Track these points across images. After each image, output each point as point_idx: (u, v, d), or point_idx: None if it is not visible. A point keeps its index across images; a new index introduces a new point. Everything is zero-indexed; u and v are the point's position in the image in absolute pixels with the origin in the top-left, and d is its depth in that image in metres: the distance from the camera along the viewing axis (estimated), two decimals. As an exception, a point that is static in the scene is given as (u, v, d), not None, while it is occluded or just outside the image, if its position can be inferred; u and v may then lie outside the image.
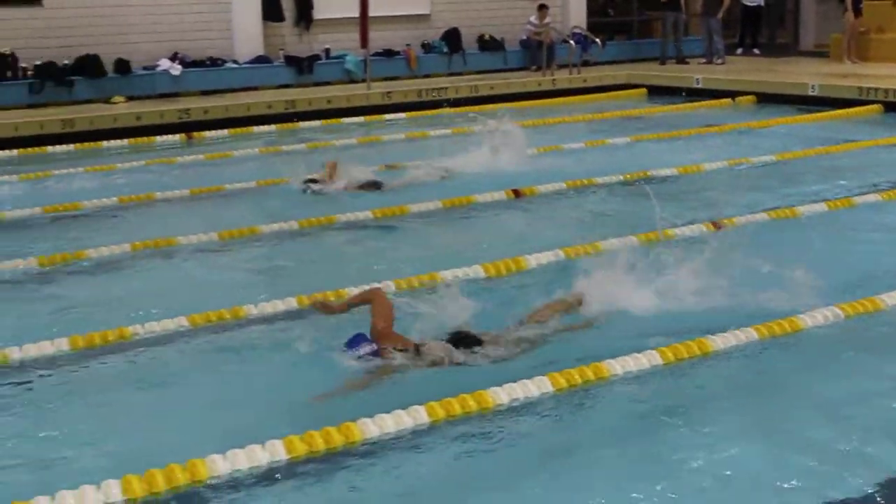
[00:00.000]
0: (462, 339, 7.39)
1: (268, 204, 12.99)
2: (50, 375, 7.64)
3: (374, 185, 13.42)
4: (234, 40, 23.24)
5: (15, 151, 17.37)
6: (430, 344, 7.32)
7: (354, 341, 7.26)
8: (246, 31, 23.31)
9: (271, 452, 6.00)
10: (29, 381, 7.54)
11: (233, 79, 22.67)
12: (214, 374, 7.72)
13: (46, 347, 8.01)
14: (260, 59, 23.29)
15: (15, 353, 7.90)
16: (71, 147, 17.67)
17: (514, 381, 6.83)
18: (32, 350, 7.95)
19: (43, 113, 19.79)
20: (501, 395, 6.72)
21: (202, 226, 11.69)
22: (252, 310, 8.70)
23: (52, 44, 21.35)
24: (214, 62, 22.83)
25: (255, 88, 22.61)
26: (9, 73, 20.87)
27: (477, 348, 7.37)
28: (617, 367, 7.22)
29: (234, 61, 23.08)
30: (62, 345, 8.06)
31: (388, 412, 6.40)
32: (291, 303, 8.80)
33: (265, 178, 13.93)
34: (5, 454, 6.35)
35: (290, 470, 5.95)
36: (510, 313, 8.14)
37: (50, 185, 14.81)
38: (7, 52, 20.85)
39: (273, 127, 19.21)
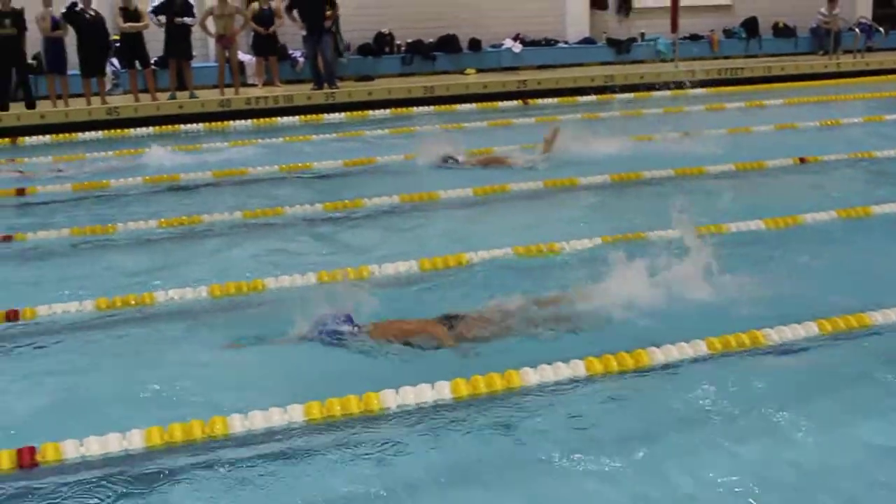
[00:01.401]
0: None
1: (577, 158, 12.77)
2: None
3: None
4: (566, 25, 23.33)
5: (388, 111, 18.00)
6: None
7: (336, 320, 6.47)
8: (576, 18, 23.36)
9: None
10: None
11: (563, 56, 22.74)
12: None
13: (390, 269, 8.21)
14: (586, 41, 23.27)
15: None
16: (431, 108, 18.15)
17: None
18: (383, 271, 8.17)
19: (411, 81, 20.45)
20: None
21: (533, 175, 11.75)
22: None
23: (421, 25, 21.99)
24: (549, 42, 22.96)
25: (581, 65, 22.56)
26: (387, 49, 21.72)
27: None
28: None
29: (565, 42, 23.14)
30: (413, 266, 8.22)
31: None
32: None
33: (583, 137, 13.85)
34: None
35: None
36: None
37: (412, 138, 15.26)
38: (386, 32, 21.68)
39: (594, 97, 19.13)
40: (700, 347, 6.24)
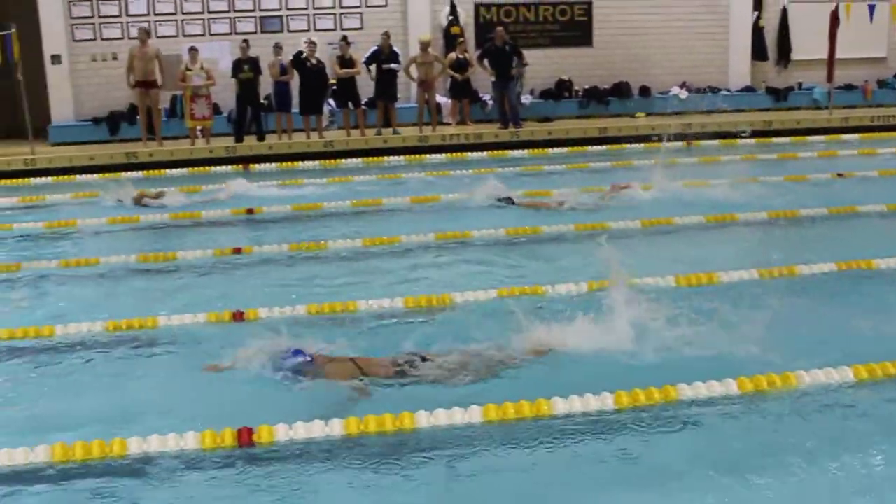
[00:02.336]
0: (408, 363, 6.16)
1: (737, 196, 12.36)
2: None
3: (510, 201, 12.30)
4: (729, 74, 22.70)
5: (566, 149, 17.83)
6: (373, 361, 6.20)
7: (289, 354, 6.21)
8: (738, 68, 22.70)
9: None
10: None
11: (725, 103, 22.06)
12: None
13: (562, 289, 8.15)
14: (747, 89, 22.58)
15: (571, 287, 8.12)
16: (604, 147, 17.96)
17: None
18: (556, 291, 8.12)
19: (586, 122, 20.26)
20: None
21: (694, 209, 11.31)
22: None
23: (597, 73, 21.82)
24: (712, 90, 22.36)
25: (742, 111, 21.92)
26: (566, 94, 21.58)
27: (415, 371, 6.09)
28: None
29: (727, 90, 22.50)
30: (583, 288, 8.11)
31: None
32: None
33: (742, 177, 13.44)
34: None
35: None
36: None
37: (588, 173, 15.09)
38: (566, 79, 21.57)
39: (752, 141, 18.53)
40: (846, 374, 5.96)
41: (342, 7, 20.93)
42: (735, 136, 18.16)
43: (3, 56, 17.45)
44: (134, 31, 18.86)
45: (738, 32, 22.67)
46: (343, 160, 17.20)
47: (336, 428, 5.45)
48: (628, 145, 18.09)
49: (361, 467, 5.15)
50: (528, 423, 5.53)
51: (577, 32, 21.99)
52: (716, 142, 18.36)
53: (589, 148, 17.89)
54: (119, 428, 5.53)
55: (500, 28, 19.53)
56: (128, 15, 20.17)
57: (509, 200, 12.24)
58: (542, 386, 5.87)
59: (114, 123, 19.89)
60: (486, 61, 19.19)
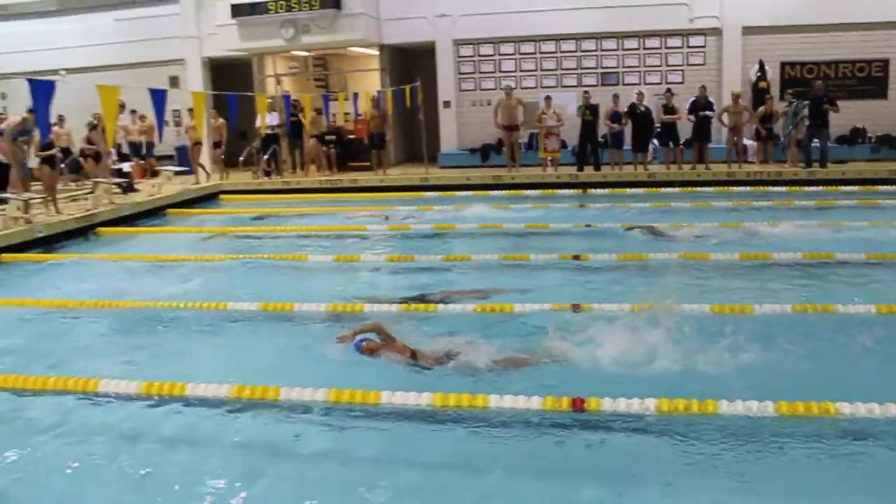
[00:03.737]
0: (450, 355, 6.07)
1: None
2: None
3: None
4: None
5: (857, 187, 16.18)
6: (424, 352, 6.11)
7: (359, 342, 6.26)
8: None
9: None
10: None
11: None
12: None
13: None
14: None
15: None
16: (894, 188, 16.12)
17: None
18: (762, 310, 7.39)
19: (878, 165, 18.27)
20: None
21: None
22: None
23: (891, 122, 19.64)
24: None
25: None
26: (860, 139, 19.59)
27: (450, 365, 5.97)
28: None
29: None
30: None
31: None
32: None
33: None
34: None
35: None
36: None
37: (875, 209, 13.61)
38: (860, 127, 19.58)
39: None
40: None
41: (668, 65, 20.45)
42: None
43: (411, 101, 18.78)
44: (504, 84, 19.53)
45: None
46: (663, 189, 16.75)
47: (650, 406, 5.32)
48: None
49: (669, 440, 5.00)
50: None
51: (873, 87, 19.95)
52: None
53: (879, 187, 16.13)
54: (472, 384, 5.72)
55: (819, 82, 18.30)
56: (500, 71, 20.95)
57: (649, 230, 11.25)
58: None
59: (485, 153, 20.78)
60: (805, 109, 17.92)
